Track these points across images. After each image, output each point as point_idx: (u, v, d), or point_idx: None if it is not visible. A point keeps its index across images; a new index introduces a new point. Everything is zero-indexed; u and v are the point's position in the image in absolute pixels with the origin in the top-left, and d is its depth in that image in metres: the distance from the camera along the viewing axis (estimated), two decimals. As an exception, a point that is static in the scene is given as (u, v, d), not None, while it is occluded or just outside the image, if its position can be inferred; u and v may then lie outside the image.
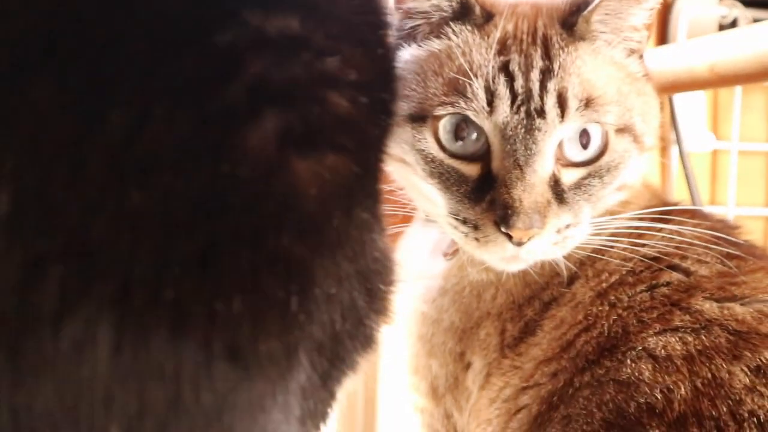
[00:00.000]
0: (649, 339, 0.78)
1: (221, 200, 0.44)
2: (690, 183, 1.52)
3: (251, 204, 0.45)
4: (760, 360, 0.74)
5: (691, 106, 1.57)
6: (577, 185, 0.83)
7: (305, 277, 0.50)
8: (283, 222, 0.47)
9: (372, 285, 0.58)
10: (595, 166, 0.83)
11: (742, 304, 0.80)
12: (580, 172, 0.83)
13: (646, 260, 0.86)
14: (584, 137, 0.82)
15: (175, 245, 0.42)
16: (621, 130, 0.84)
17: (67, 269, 0.40)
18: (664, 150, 1.58)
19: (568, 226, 0.82)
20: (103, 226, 0.40)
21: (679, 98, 1.53)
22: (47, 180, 0.40)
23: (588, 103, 0.80)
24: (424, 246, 1.00)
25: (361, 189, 0.53)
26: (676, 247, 0.87)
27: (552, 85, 0.80)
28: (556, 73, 0.80)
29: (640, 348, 0.77)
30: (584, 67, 0.82)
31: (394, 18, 0.86)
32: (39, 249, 0.40)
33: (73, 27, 0.42)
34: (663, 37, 1.53)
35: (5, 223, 0.40)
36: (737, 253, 0.87)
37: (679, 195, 1.55)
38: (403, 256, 1.03)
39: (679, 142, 1.52)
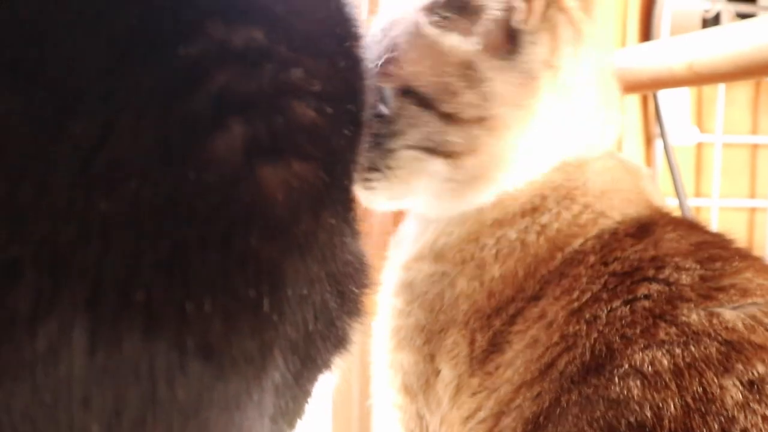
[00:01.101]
0: (635, 355, 0.75)
1: (188, 206, 0.45)
2: (674, 176, 1.54)
3: (218, 209, 0.47)
4: (753, 373, 0.70)
5: (674, 99, 1.58)
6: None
7: (276, 278, 0.52)
8: (251, 225, 0.49)
9: (343, 287, 0.60)
10: None
11: (732, 308, 0.77)
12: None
13: (618, 275, 0.83)
14: None
15: (144, 249, 0.44)
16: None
17: (40, 274, 0.42)
18: (648, 143, 1.60)
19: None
20: (73, 233, 0.42)
21: (662, 92, 1.54)
22: (16, 190, 0.42)
23: None
24: (404, 237, 1.02)
25: (329, 195, 0.55)
26: (651, 260, 0.84)
27: None
28: None
29: (627, 365, 0.75)
30: None
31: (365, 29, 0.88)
32: (13, 254, 0.42)
33: (34, 42, 0.44)
34: (646, 33, 1.55)
35: None
36: (722, 253, 0.84)
37: (663, 188, 1.57)
38: (391, 250, 1.06)
39: (663, 135, 1.53)
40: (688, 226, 0.92)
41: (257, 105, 0.49)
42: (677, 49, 1.15)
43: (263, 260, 0.50)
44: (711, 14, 1.57)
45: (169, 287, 0.45)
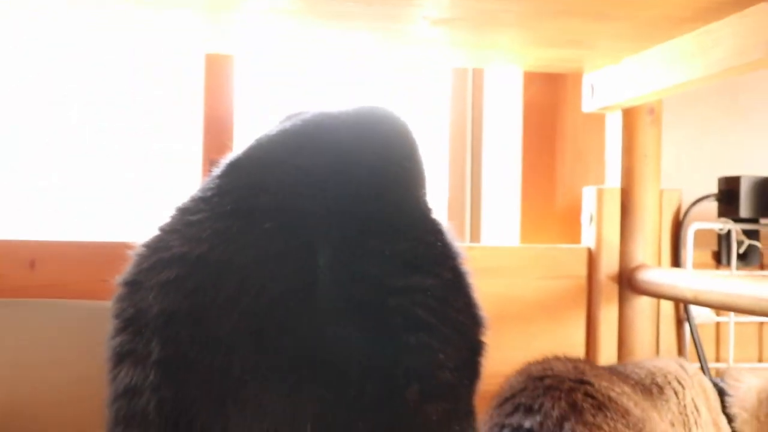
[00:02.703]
0: None
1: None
2: (699, 350, 2.13)
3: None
4: None
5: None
6: None
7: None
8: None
9: None
10: None
11: None
12: None
13: None
14: None
15: None
16: None
17: None
18: (679, 325, 2.22)
19: None
20: None
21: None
22: None
23: None
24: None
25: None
26: None
27: None
28: None
29: None
30: None
31: None
32: None
33: None
34: (676, 248, 2.08)
35: None
36: None
37: (692, 358, 2.12)
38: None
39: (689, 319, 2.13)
40: None
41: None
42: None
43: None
44: (724, 231, 2.20)
45: None
